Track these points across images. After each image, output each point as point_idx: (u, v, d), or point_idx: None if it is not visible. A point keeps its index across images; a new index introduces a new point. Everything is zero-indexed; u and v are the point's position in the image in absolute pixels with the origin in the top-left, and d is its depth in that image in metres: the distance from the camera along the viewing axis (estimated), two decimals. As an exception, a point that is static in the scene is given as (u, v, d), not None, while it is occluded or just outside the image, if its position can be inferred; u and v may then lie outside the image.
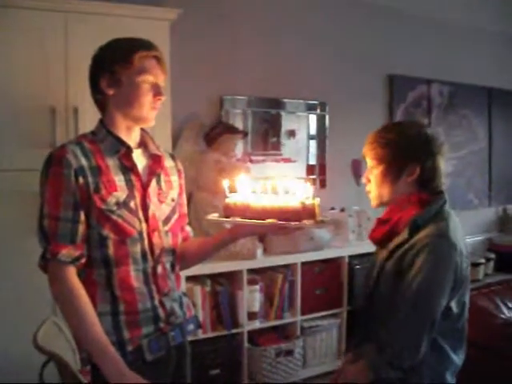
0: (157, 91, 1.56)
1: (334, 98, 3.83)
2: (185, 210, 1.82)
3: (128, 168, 1.57)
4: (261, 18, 3.50)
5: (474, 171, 4.77)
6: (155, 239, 1.59)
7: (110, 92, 1.56)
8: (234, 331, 3.05)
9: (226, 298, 3.03)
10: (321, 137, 3.84)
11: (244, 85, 3.46)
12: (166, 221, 1.65)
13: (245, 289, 3.03)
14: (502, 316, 2.31)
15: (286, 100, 3.65)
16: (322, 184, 3.85)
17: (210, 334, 2.98)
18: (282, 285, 3.20)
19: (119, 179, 1.54)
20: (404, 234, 1.64)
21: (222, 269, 2.97)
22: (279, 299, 3.20)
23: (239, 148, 3.39)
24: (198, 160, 3.03)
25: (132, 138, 1.62)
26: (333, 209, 3.64)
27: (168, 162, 1.74)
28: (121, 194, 1.52)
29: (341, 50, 3.85)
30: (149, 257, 1.57)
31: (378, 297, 1.69)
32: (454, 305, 1.59)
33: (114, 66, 1.54)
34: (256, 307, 3.11)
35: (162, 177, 1.68)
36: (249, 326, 3.09)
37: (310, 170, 3.82)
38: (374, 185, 1.72)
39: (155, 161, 1.65)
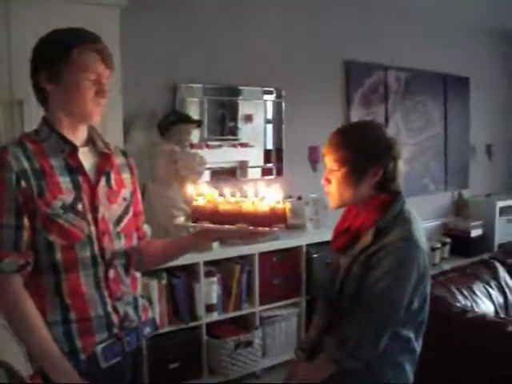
0: (99, 89, 1.46)
1: (290, 84, 3.78)
2: (140, 208, 1.74)
3: (74, 168, 1.47)
4: (216, 4, 3.41)
5: (431, 156, 4.83)
6: (106, 242, 1.51)
7: (49, 88, 1.46)
8: (192, 324, 3.02)
9: (183, 290, 2.98)
10: (277, 124, 3.80)
11: (199, 72, 3.37)
12: (118, 222, 1.57)
13: (202, 281, 2.99)
14: (458, 304, 2.33)
15: (242, 87, 3.60)
16: (279, 171, 3.81)
17: (168, 328, 2.94)
18: (240, 276, 3.18)
19: (65, 181, 1.45)
20: (367, 239, 1.62)
21: (179, 261, 2.87)
22: (237, 290, 3.18)
23: (195, 134, 3.33)
24: (151, 151, 2.95)
25: (78, 135, 1.52)
26: (290, 197, 3.60)
27: (119, 159, 1.64)
28: (67, 196, 1.43)
29: (297, 35, 3.80)
30: (99, 261, 1.49)
31: (343, 300, 1.67)
32: (415, 299, 1.60)
33: (52, 60, 1.43)
34: (214, 299, 3.07)
35: (112, 175, 1.58)
36: (207, 318, 3.06)
37: (267, 155, 3.79)
38: (335, 187, 1.68)
39: (104, 159, 1.56)
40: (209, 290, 3.04)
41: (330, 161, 1.68)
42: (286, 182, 3.74)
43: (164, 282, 2.91)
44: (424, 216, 4.53)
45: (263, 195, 1.54)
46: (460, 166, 5.12)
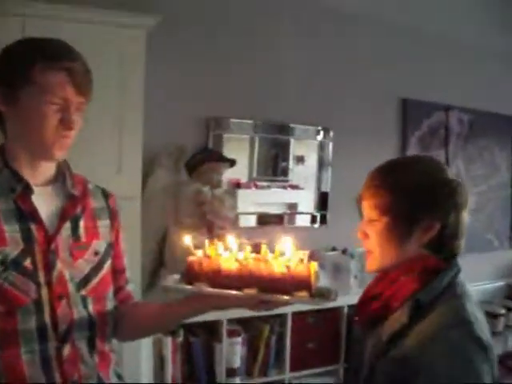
0: (64, 117, 1.16)
1: (339, 124, 3.43)
2: (122, 264, 1.42)
3: (26, 214, 1.18)
4: (261, 34, 3.12)
5: (495, 209, 4.32)
6: (61, 309, 1.19)
7: (3, 109, 1.19)
8: (210, 390, 2.64)
9: (202, 350, 2.62)
10: (324, 166, 3.46)
11: (239, 107, 3.07)
12: (84, 282, 1.25)
13: (224, 341, 2.62)
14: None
15: (294, 125, 3.31)
16: (323, 219, 3.43)
17: (181, 393, 2.58)
18: (269, 337, 2.80)
19: (12, 229, 1.15)
20: (401, 318, 1.17)
21: (198, 318, 2.53)
22: (265, 353, 2.79)
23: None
24: (176, 190, 2.63)
25: (39, 172, 1.23)
26: (334, 249, 3.23)
27: (96, 202, 1.34)
28: (11, 249, 1.13)
29: (349, 70, 3.45)
30: (50, 334, 1.17)
31: None
32: None
33: (9, 76, 1.16)
34: (237, 362, 2.69)
35: (82, 223, 1.28)
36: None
37: (322, 198, 3.47)
38: (374, 243, 1.27)
39: (72, 202, 1.26)
40: (231, 351, 2.66)
41: (367, 207, 1.28)
42: (331, 231, 3.38)
43: (180, 339, 2.56)
44: (485, 276, 4.07)
45: (281, 251, 1.19)
46: (529, 221, 4.58)
